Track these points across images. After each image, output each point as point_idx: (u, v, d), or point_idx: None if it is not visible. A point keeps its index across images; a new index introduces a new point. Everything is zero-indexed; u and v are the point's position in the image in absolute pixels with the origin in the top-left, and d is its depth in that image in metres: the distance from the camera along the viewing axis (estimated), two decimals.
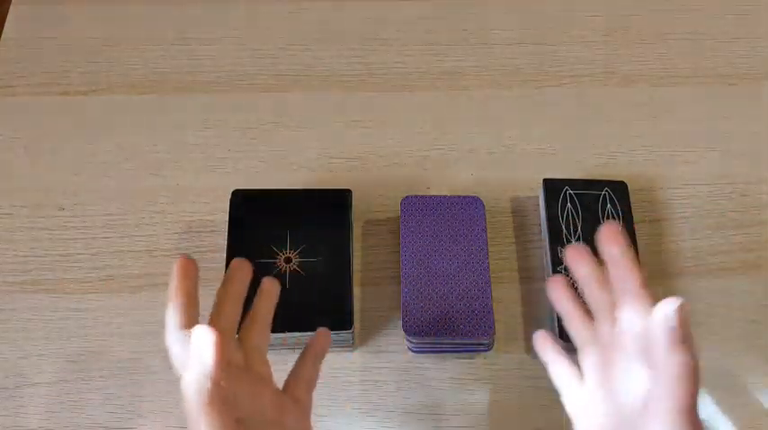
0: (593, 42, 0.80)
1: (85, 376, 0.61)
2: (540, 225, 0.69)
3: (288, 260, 0.62)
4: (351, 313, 0.60)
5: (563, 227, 0.65)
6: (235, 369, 0.44)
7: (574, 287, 0.52)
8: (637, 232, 0.66)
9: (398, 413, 0.61)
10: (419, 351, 0.63)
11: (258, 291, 0.51)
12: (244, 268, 0.50)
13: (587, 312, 0.50)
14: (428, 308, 0.61)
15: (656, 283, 0.66)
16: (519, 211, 0.70)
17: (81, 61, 0.78)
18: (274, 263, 0.62)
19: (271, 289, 0.52)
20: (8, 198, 0.69)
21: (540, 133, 0.74)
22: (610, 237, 0.48)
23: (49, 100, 0.75)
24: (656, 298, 0.45)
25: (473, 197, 0.66)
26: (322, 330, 0.54)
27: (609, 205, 0.67)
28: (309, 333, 0.59)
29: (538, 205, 0.69)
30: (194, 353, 0.42)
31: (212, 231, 0.68)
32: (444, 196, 0.66)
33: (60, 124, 0.74)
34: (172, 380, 0.61)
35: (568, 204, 0.67)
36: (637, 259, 0.47)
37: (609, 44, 0.80)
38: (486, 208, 0.67)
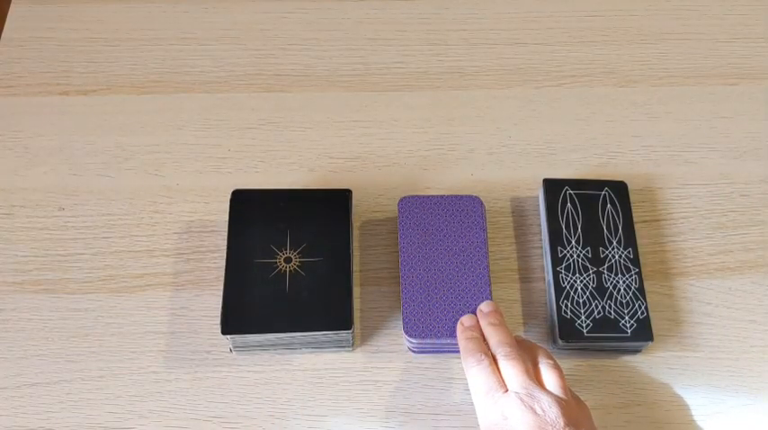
0: (593, 42, 0.80)
1: (85, 376, 0.61)
2: (539, 225, 0.69)
3: (288, 260, 0.62)
4: (351, 313, 0.60)
5: (563, 227, 0.65)
6: None
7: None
8: (637, 232, 0.66)
9: (398, 413, 0.61)
10: (419, 351, 0.63)
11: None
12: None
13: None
14: (428, 308, 0.61)
15: (657, 283, 0.66)
16: (519, 211, 0.70)
17: (81, 61, 0.78)
18: (274, 263, 0.62)
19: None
20: (8, 198, 0.69)
21: (539, 133, 0.74)
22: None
23: (48, 100, 0.75)
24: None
25: (472, 197, 0.66)
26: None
27: (609, 205, 0.67)
28: (309, 333, 0.60)
29: (538, 205, 0.70)
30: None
31: (212, 231, 0.68)
32: (442, 196, 0.66)
33: (60, 124, 0.74)
34: (171, 380, 0.61)
35: (568, 204, 0.67)
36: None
37: (609, 44, 0.80)
38: (486, 208, 0.67)
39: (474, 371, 0.55)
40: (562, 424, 0.51)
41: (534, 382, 0.54)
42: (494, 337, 0.58)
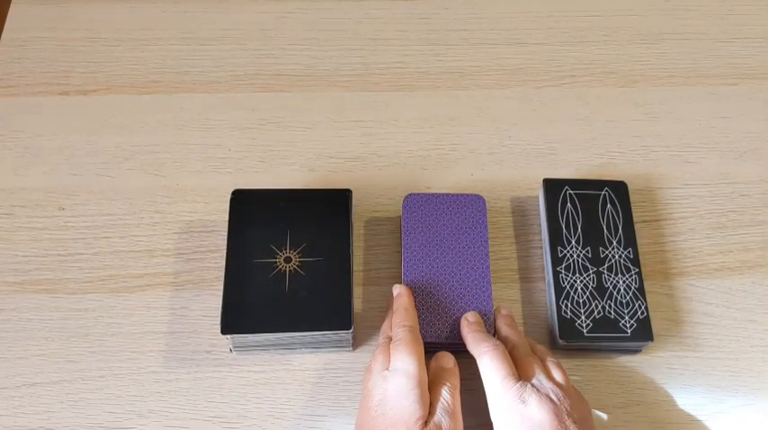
0: (593, 42, 0.80)
1: (85, 376, 0.61)
2: (539, 225, 0.69)
3: (288, 260, 0.62)
4: (351, 313, 0.60)
5: (563, 227, 0.65)
6: None
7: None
8: (637, 232, 0.66)
9: None
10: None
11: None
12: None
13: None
14: (429, 308, 0.61)
15: (657, 283, 0.66)
16: (519, 211, 0.70)
17: (81, 61, 0.78)
18: (274, 262, 0.62)
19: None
20: (8, 198, 0.69)
21: (539, 133, 0.74)
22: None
23: (48, 100, 0.75)
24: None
25: (475, 195, 0.66)
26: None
27: (609, 205, 0.67)
28: (309, 333, 0.60)
29: (538, 205, 0.70)
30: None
31: (212, 231, 0.68)
32: (447, 194, 0.66)
33: (60, 124, 0.74)
34: (171, 380, 0.61)
35: (568, 204, 0.67)
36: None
37: (609, 44, 0.80)
38: (487, 207, 0.67)
39: (489, 356, 0.56)
40: (575, 416, 0.52)
41: (548, 377, 0.55)
42: (512, 338, 0.59)
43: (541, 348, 0.60)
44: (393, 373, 0.54)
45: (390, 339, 0.57)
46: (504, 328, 0.60)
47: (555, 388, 0.54)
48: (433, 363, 0.58)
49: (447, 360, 0.58)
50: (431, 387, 0.55)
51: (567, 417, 0.52)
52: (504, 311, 0.62)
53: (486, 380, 0.55)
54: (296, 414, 0.60)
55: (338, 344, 0.62)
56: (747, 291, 0.66)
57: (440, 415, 0.53)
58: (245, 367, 0.62)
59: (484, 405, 0.55)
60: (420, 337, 0.57)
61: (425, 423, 0.52)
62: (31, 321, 0.64)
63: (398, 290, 0.61)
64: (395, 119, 0.75)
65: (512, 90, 0.77)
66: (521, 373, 0.55)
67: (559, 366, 0.57)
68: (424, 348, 0.58)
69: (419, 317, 0.60)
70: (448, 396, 0.54)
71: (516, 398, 0.53)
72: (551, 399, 0.53)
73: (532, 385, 0.54)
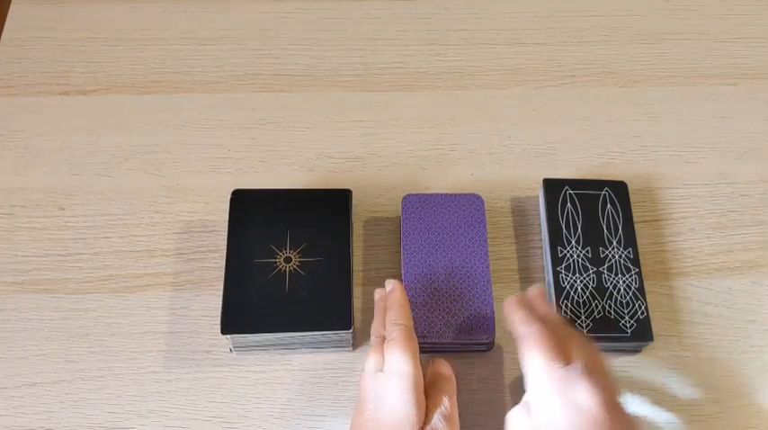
0: (593, 42, 0.80)
1: (85, 376, 0.61)
2: (539, 225, 0.69)
3: (288, 260, 0.62)
4: (351, 313, 0.60)
5: (563, 227, 0.65)
6: None
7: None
8: (637, 232, 0.66)
9: None
10: (419, 351, 0.63)
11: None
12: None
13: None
14: (429, 308, 0.61)
15: (656, 283, 0.66)
16: (519, 211, 0.70)
17: (81, 61, 0.78)
18: (274, 262, 0.62)
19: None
20: (8, 198, 0.69)
21: (539, 133, 0.74)
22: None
23: (48, 100, 0.75)
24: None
25: (473, 195, 0.66)
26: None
27: (609, 205, 0.67)
28: (309, 333, 0.60)
29: (538, 205, 0.70)
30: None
31: (212, 231, 0.68)
32: (445, 194, 0.66)
33: (60, 124, 0.74)
34: (171, 380, 0.61)
35: (568, 204, 0.67)
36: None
37: (609, 44, 0.80)
38: (486, 207, 0.67)
39: (534, 339, 0.52)
40: (618, 405, 0.50)
41: (594, 363, 0.52)
42: (552, 319, 0.55)
43: (578, 334, 0.56)
44: (387, 375, 0.52)
45: (383, 338, 0.55)
46: (541, 308, 0.56)
47: (600, 375, 0.51)
48: (429, 369, 0.56)
49: (445, 367, 0.56)
50: (428, 392, 0.53)
51: (612, 405, 0.49)
52: (535, 291, 0.59)
53: (530, 364, 0.52)
54: (296, 414, 0.60)
55: (338, 344, 0.62)
56: (747, 291, 0.66)
57: (437, 420, 0.51)
58: (245, 367, 0.62)
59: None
60: (415, 336, 0.55)
61: (421, 428, 0.51)
62: (31, 321, 0.64)
63: (392, 285, 0.59)
64: (395, 119, 0.75)
65: (512, 90, 0.77)
66: (565, 358, 0.52)
67: (601, 353, 0.54)
68: (425, 348, 0.58)
69: (419, 317, 0.60)
70: (448, 402, 0.53)
71: (563, 383, 0.50)
72: (598, 386, 0.49)
73: (579, 370, 0.50)
